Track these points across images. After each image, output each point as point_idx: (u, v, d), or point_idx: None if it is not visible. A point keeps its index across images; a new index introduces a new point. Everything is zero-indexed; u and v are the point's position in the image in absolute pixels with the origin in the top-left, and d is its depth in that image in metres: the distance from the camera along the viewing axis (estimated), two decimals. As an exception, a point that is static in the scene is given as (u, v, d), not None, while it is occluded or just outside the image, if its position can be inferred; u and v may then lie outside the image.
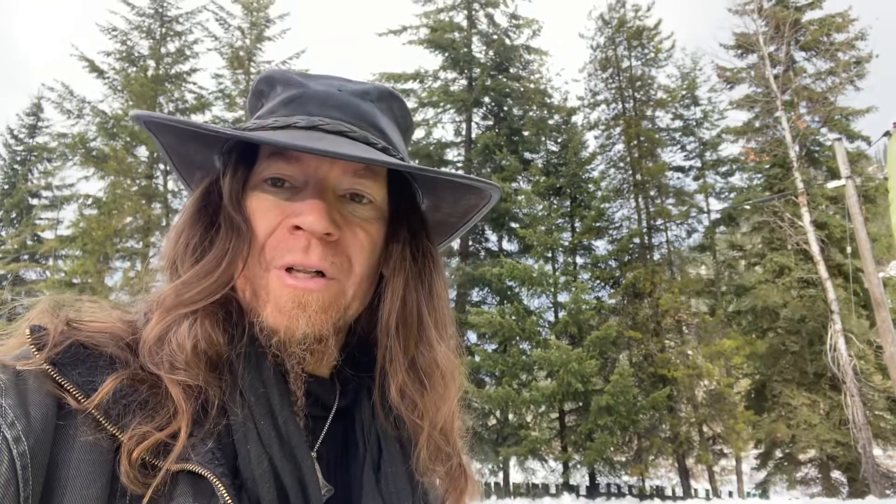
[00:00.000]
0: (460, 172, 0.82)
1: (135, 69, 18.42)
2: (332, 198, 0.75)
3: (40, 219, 22.59)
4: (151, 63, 18.72)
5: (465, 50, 19.70)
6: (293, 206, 0.74)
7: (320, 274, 0.74)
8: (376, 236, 0.80)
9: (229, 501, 0.61)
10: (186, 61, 19.19)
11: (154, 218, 17.23)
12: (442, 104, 19.68)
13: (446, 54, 19.64)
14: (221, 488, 0.61)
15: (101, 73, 18.16)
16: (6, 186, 23.18)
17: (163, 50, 18.95)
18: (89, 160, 17.31)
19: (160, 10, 19.22)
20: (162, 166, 17.46)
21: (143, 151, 17.76)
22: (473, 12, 20.27)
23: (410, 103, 19.02)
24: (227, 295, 0.75)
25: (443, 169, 0.78)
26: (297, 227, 0.73)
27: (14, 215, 22.92)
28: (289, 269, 0.73)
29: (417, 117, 19.29)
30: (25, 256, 21.91)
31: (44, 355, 0.64)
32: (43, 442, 0.59)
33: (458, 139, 20.01)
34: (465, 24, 20.06)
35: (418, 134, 19.36)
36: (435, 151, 19.37)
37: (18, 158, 23.57)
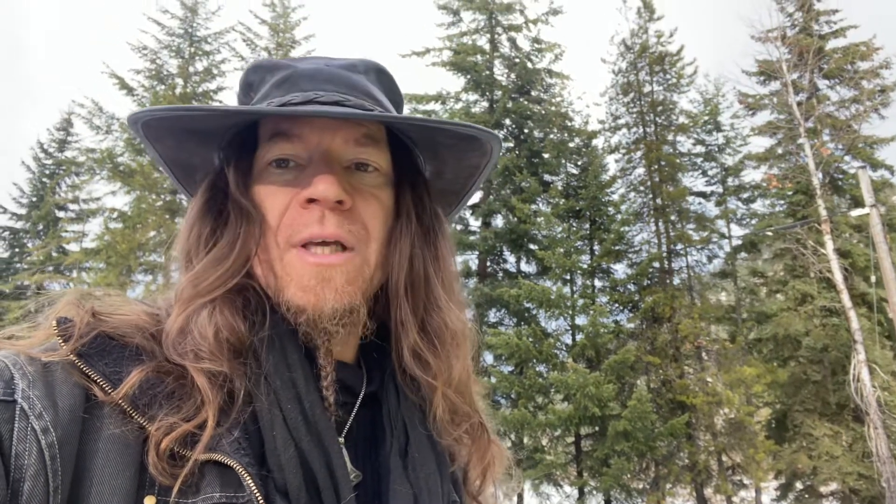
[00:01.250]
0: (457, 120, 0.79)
1: (163, 87, 18.80)
2: (338, 168, 0.76)
3: (66, 231, 22.99)
4: (180, 81, 19.11)
5: (488, 72, 19.87)
6: (302, 182, 0.74)
7: (340, 246, 0.73)
8: (387, 202, 0.80)
9: (255, 491, 0.60)
10: (213, 80, 19.56)
11: (177, 233, 17.44)
12: (463, 125, 19.78)
13: (468, 76, 19.81)
14: (248, 478, 0.61)
15: (130, 90, 18.56)
16: (34, 199, 23.64)
17: (191, 69, 19.35)
18: (116, 175, 17.64)
19: (189, 30, 19.66)
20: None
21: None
22: (496, 36, 20.46)
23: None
24: (244, 283, 0.75)
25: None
26: (310, 201, 0.73)
27: (41, 227, 23.35)
28: (306, 247, 0.73)
29: (438, 138, 19.39)
30: (50, 268, 22.27)
31: (70, 346, 0.64)
32: (71, 433, 0.59)
33: (479, 160, 20.10)
34: (487, 47, 20.24)
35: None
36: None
37: (47, 172, 24.05)
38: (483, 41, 20.44)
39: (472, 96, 20.22)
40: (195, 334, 0.70)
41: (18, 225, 23.54)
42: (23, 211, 23.55)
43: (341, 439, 0.73)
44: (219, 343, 0.69)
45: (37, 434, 0.57)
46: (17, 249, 23.34)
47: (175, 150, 0.82)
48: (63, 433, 0.58)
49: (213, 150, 0.82)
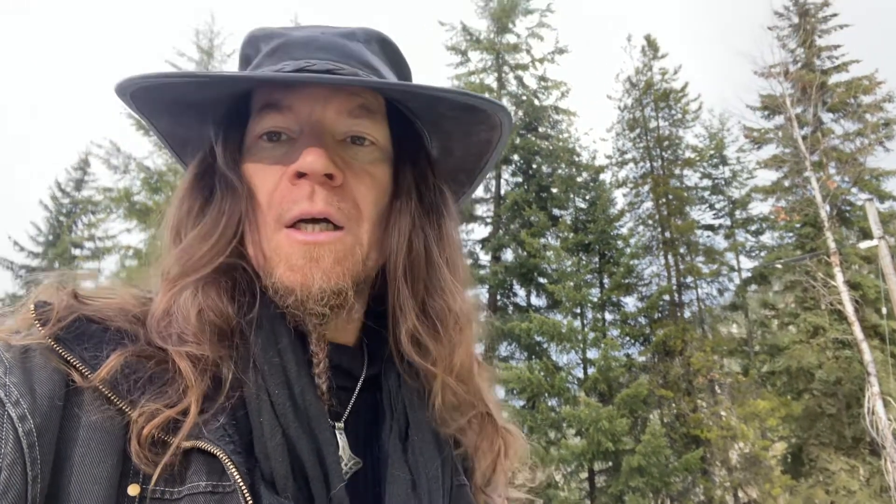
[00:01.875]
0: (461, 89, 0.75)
1: (180, 127, 19.29)
2: (330, 141, 0.72)
3: (82, 269, 23.33)
4: (195, 121, 19.61)
5: (496, 110, 20.25)
6: (292, 156, 0.71)
7: (330, 224, 0.70)
8: (382, 179, 0.76)
9: (238, 479, 0.58)
10: (228, 120, 20.04)
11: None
12: (472, 161, 20.12)
13: (477, 114, 20.17)
14: (231, 466, 0.59)
15: (147, 131, 19.03)
16: (51, 237, 24.05)
17: (206, 109, 19.84)
18: (132, 213, 17.99)
19: (207, 70, 20.22)
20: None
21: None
22: (503, 74, 20.91)
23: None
24: (234, 262, 0.72)
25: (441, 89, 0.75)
26: (299, 175, 0.69)
27: (57, 265, 23.69)
28: (296, 226, 0.70)
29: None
30: (65, 305, 22.49)
31: (47, 330, 0.61)
32: (50, 420, 0.57)
33: (488, 195, 20.36)
34: (495, 85, 20.67)
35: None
36: (465, 207, 19.71)
37: (64, 211, 24.52)
38: (491, 80, 20.89)
39: (481, 133, 20.55)
40: (178, 316, 0.67)
41: (35, 263, 23.89)
42: (39, 249, 23.93)
43: (340, 424, 0.71)
44: (203, 325, 0.67)
45: (13, 422, 0.55)
46: (33, 287, 23.64)
47: (172, 125, 0.80)
48: (42, 420, 0.56)
49: (208, 125, 0.79)
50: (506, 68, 20.98)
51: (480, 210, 20.23)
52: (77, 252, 23.85)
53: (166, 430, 0.59)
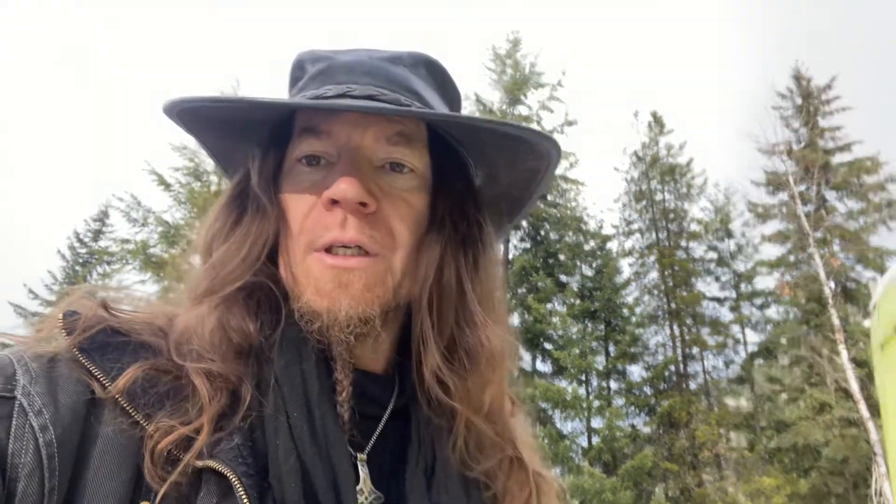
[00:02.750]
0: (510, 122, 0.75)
1: (199, 184, 19.90)
2: (367, 168, 0.71)
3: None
4: (215, 179, 20.21)
5: (506, 178, 20.80)
6: (328, 182, 0.69)
7: (362, 251, 0.69)
8: (419, 207, 0.74)
9: (246, 502, 0.57)
10: (247, 178, 20.62)
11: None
12: (481, 227, 20.54)
13: (488, 181, 20.72)
14: (240, 488, 0.57)
15: (167, 186, 19.65)
16: (65, 286, 24.43)
17: (226, 167, 20.45)
18: (148, 265, 18.37)
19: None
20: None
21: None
22: (515, 144, 21.55)
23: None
24: (260, 282, 0.72)
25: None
26: (333, 202, 0.68)
27: (68, 313, 23.95)
28: (328, 250, 0.69)
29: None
30: (73, 353, 22.61)
31: (72, 340, 0.62)
32: (71, 431, 0.57)
33: (496, 260, 20.66)
34: (506, 154, 21.28)
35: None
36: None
37: (80, 260, 25.01)
38: (502, 148, 21.49)
39: (491, 199, 21.07)
40: (200, 333, 0.67)
41: (48, 311, 24.13)
42: (53, 297, 24.27)
43: (363, 456, 0.69)
44: (223, 343, 0.66)
45: (34, 431, 0.55)
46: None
47: (217, 142, 0.82)
48: (63, 431, 0.56)
49: (252, 144, 0.79)
50: (517, 138, 21.61)
51: (488, 274, 20.47)
52: (89, 301, 24.12)
53: (180, 448, 0.59)
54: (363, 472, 0.68)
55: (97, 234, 25.65)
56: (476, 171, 0.83)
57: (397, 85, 0.75)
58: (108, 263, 23.80)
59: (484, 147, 0.79)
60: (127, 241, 19.66)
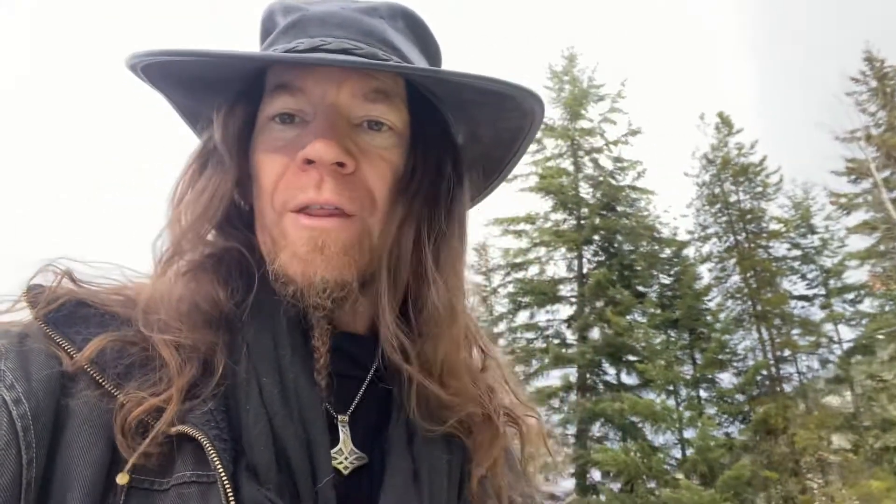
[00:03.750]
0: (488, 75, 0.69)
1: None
2: (344, 126, 0.68)
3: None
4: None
5: (573, 192, 20.90)
6: (303, 141, 0.67)
7: (339, 211, 0.67)
8: (399, 165, 0.72)
9: (219, 466, 0.56)
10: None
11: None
12: (553, 243, 20.72)
13: (555, 197, 20.90)
14: (212, 451, 0.57)
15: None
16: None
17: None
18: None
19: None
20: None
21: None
22: (579, 158, 21.64)
23: (522, 243, 20.23)
24: (231, 247, 0.71)
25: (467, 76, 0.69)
26: (308, 162, 0.66)
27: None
28: (305, 211, 0.67)
29: (530, 255, 20.40)
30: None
31: (36, 313, 0.61)
32: (46, 404, 0.56)
33: (571, 275, 20.75)
34: (571, 168, 21.41)
35: (533, 270, 20.35)
36: (549, 287, 20.17)
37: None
38: (567, 163, 21.63)
39: (560, 215, 21.22)
40: (168, 302, 0.65)
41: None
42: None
43: (344, 417, 0.69)
44: (190, 312, 0.65)
45: (7, 405, 0.54)
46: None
47: (184, 99, 0.78)
48: (37, 404, 0.56)
49: (220, 101, 0.75)
50: (580, 152, 21.74)
51: (564, 290, 20.62)
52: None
53: (151, 418, 0.58)
54: (344, 433, 0.68)
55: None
56: (457, 129, 0.80)
57: (374, 38, 0.71)
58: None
59: (466, 104, 0.76)
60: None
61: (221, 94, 0.74)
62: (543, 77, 21.70)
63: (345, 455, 0.67)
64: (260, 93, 0.73)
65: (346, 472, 0.66)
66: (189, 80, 0.74)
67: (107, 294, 0.68)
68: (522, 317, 19.93)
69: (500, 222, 20.79)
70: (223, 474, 0.56)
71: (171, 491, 0.57)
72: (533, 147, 21.72)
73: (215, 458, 0.56)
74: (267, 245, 0.70)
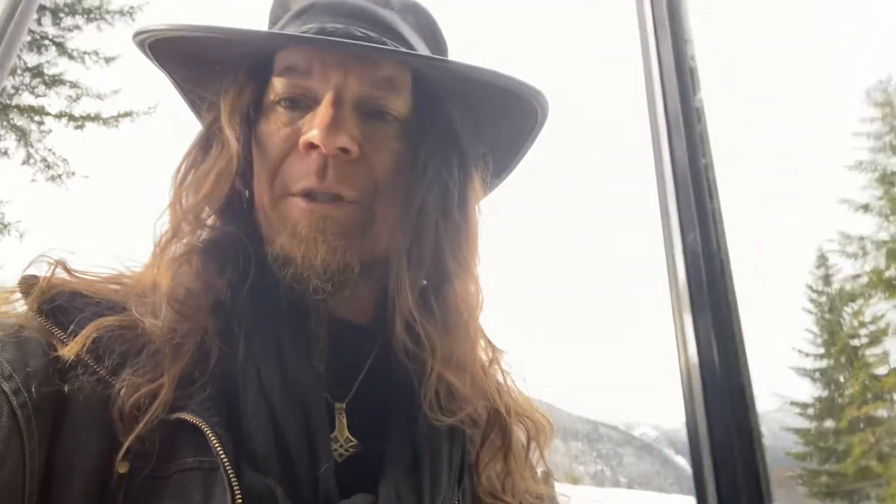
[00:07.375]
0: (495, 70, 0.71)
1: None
2: (350, 113, 0.68)
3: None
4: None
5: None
6: (308, 125, 0.67)
7: (341, 198, 0.67)
8: (402, 154, 0.72)
9: (221, 453, 0.56)
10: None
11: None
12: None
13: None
14: (213, 438, 0.56)
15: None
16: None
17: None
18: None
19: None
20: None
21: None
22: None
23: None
24: (228, 230, 0.70)
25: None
26: (312, 146, 0.66)
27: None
28: (306, 195, 0.67)
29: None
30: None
31: (30, 302, 0.62)
32: (45, 393, 0.57)
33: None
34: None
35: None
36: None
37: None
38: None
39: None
40: (162, 287, 0.65)
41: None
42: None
43: (341, 404, 0.69)
44: (187, 297, 0.65)
45: (7, 396, 0.54)
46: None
47: (189, 79, 0.78)
48: (37, 394, 0.56)
49: (227, 83, 0.75)
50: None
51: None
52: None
53: (149, 404, 0.58)
54: (340, 420, 0.68)
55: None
56: (462, 125, 0.80)
57: (384, 28, 0.72)
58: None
59: (468, 100, 0.76)
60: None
61: (228, 76, 0.74)
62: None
63: (339, 443, 0.67)
64: (267, 76, 0.73)
65: (339, 460, 0.66)
66: (196, 60, 0.74)
67: (102, 283, 0.68)
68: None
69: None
70: (225, 460, 0.56)
71: (173, 477, 0.57)
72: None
73: (217, 445, 0.56)
74: (265, 227, 0.70)
